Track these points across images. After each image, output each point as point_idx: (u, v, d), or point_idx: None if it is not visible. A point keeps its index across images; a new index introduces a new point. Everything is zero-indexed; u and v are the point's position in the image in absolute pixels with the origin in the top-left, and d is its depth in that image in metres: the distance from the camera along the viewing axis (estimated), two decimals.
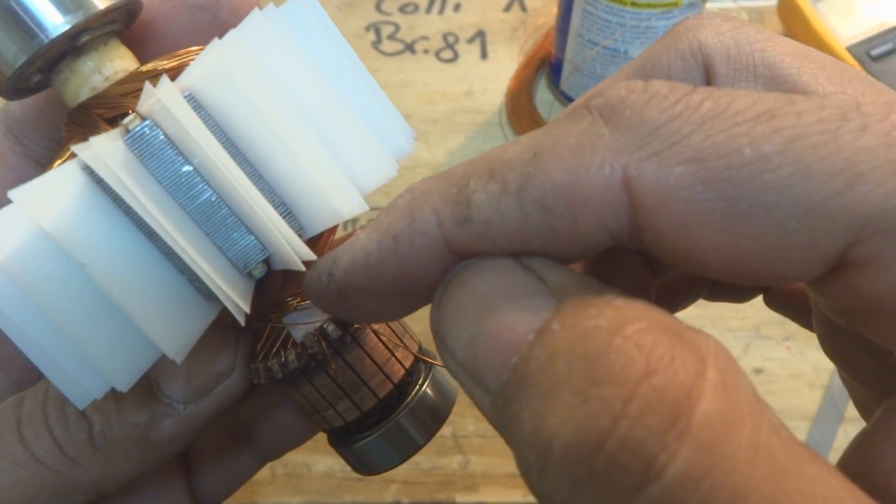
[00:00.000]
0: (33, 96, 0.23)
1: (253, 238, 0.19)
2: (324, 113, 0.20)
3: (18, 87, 0.21)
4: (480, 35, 0.68)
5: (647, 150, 0.15)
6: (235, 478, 0.31)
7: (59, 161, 0.21)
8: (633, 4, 0.53)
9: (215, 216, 0.19)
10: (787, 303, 0.27)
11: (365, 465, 0.27)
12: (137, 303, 0.17)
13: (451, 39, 0.67)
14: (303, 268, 0.19)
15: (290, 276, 0.23)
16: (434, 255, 0.17)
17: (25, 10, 0.19)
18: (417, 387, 0.27)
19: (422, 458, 0.48)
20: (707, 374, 0.13)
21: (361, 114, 0.20)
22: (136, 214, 0.18)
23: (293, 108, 0.19)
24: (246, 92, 0.18)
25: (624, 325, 0.14)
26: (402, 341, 0.27)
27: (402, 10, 0.69)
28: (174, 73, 0.20)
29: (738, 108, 0.15)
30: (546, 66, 0.65)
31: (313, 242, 0.22)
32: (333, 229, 0.23)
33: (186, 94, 0.19)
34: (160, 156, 0.18)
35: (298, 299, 0.25)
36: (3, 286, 0.17)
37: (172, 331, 0.18)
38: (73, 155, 0.20)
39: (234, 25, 0.21)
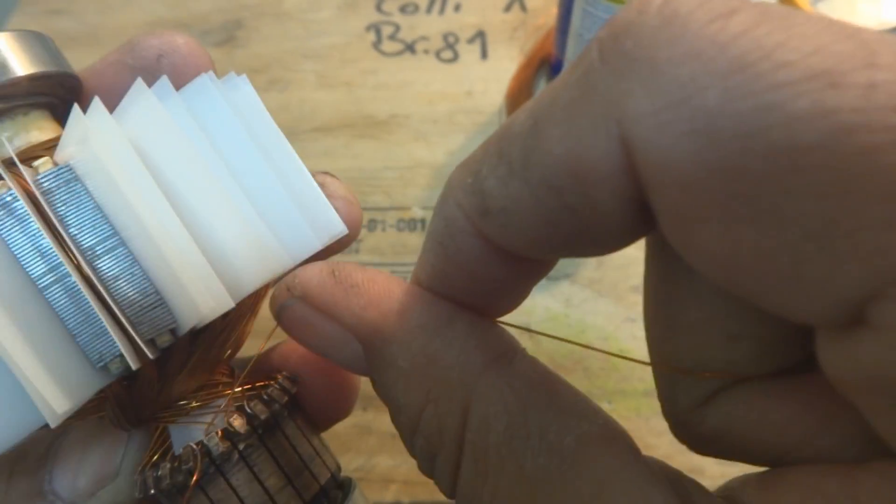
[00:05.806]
0: None
1: (107, 331, 0.18)
2: (209, 198, 0.18)
3: None
4: (480, 35, 0.68)
5: (647, 103, 0.11)
6: None
7: None
8: None
9: (75, 300, 0.18)
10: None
11: None
12: (20, 355, 0.16)
13: (451, 39, 0.67)
14: (136, 365, 0.18)
15: (170, 376, 0.20)
16: (478, 249, 0.16)
17: None
18: None
19: None
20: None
21: (263, 200, 0.19)
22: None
23: (166, 192, 0.18)
24: (109, 172, 0.17)
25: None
26: (307, 466, 0.22)
27: (402, 10, 0.69)
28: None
29: (785, 57, 0.10)
30: (546, 67, 0.65)
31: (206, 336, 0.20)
32: (221, 321, 0.20)
33: (65, 166, 0.18)
34: (21, 227, 0.18)
35: (198, 402, 0.21)
36: None
37: (49, 392, 0.17)
38: None
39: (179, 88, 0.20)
